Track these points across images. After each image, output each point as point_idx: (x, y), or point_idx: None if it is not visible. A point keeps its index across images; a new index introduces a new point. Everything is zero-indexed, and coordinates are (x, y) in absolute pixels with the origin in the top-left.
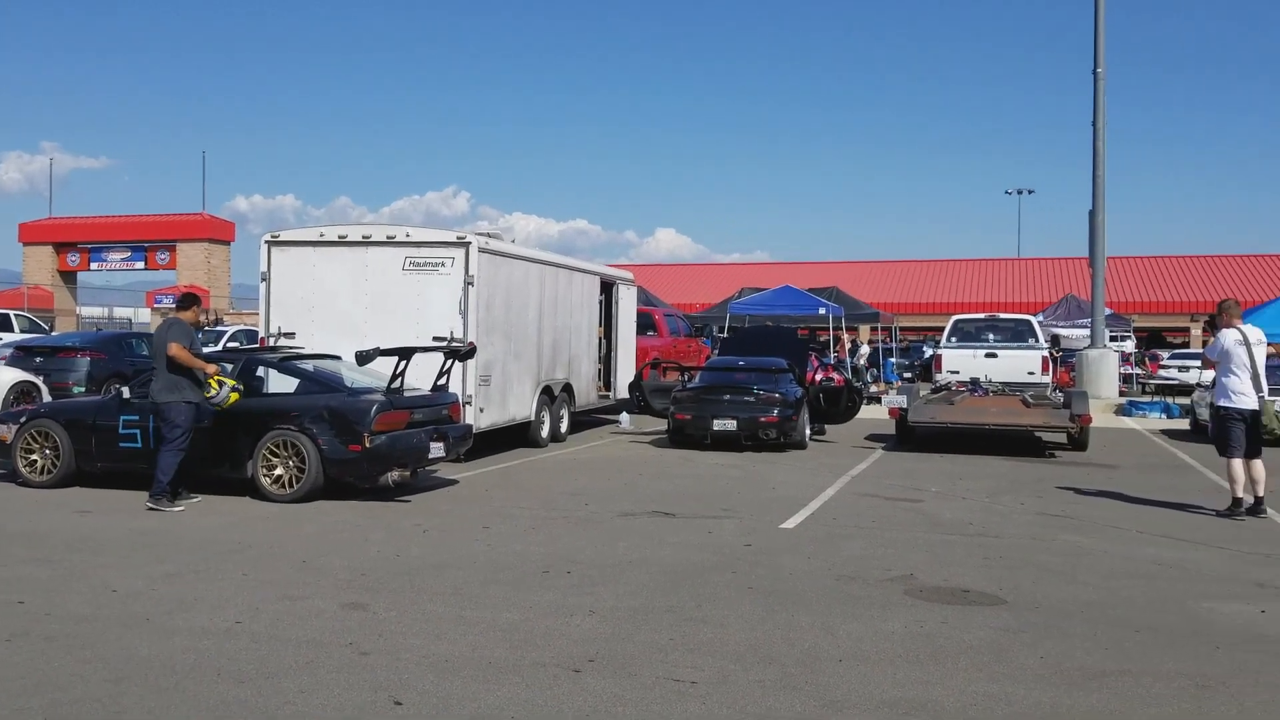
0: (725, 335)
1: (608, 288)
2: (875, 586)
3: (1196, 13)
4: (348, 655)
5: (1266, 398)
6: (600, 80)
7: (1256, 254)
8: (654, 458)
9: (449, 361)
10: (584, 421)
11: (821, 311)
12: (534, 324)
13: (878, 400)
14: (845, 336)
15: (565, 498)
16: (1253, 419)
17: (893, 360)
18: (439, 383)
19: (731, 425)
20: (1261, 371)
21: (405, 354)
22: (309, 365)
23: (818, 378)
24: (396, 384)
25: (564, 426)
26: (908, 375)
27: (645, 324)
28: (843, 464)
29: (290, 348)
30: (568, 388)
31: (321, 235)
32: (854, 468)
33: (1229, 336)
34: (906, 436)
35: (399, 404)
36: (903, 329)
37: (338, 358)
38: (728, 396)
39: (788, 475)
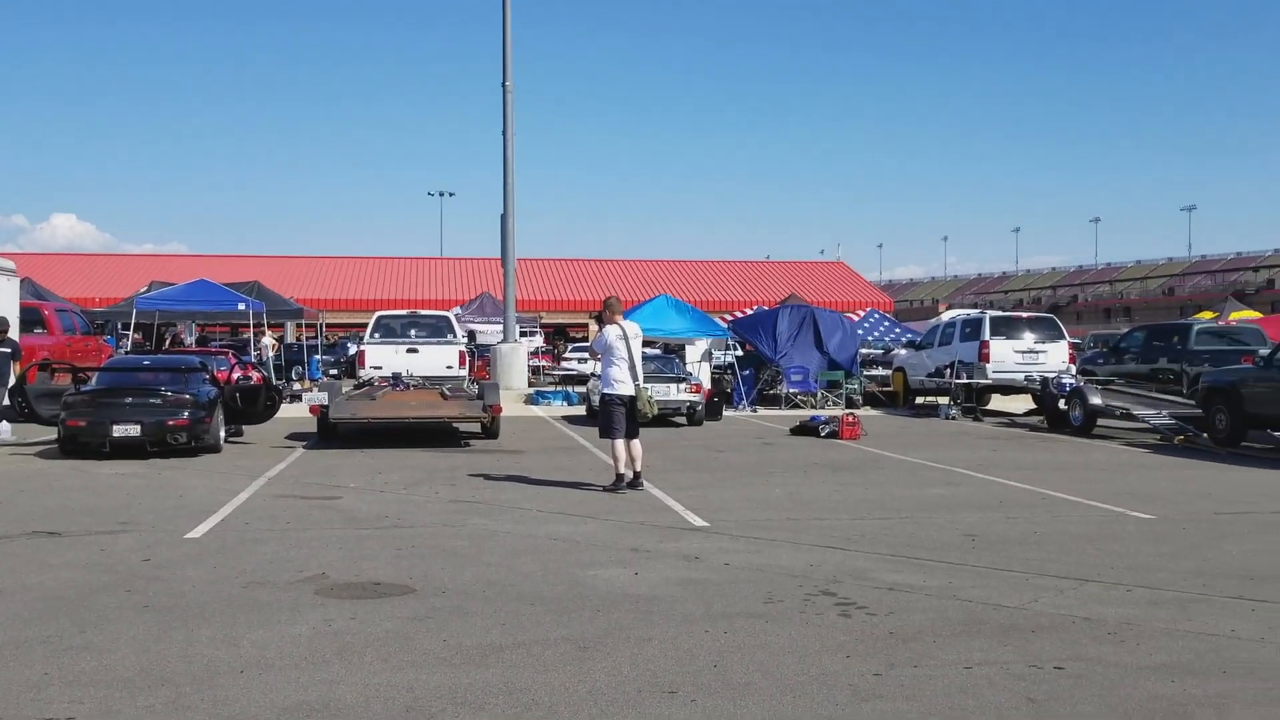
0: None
1: None
2: (285, 590)
3: (610, 33)
4: None
5: (641, 385)
6: None
7: (641, 259)
8: (39, 471)
9: None
10: None
11: (241, 307)
12: None
13: (300, 398)
14: (269, 333)
15: None
16: (631, 404)
17: (318, 358)
18: None
19: (135, 430)
20: (638, 363)
21: None
22: None
23: (234, 376)
24: None
25: None
26: (333, 372)
27: (32, 320)
28: (260, 466)
29: None
30: None
31: None
32: (272, 469)
33: (612, 332)
34: (328, 433)
35: None
36: (329, 325)
37: None
38: (130, 399)
39: (199, 481)
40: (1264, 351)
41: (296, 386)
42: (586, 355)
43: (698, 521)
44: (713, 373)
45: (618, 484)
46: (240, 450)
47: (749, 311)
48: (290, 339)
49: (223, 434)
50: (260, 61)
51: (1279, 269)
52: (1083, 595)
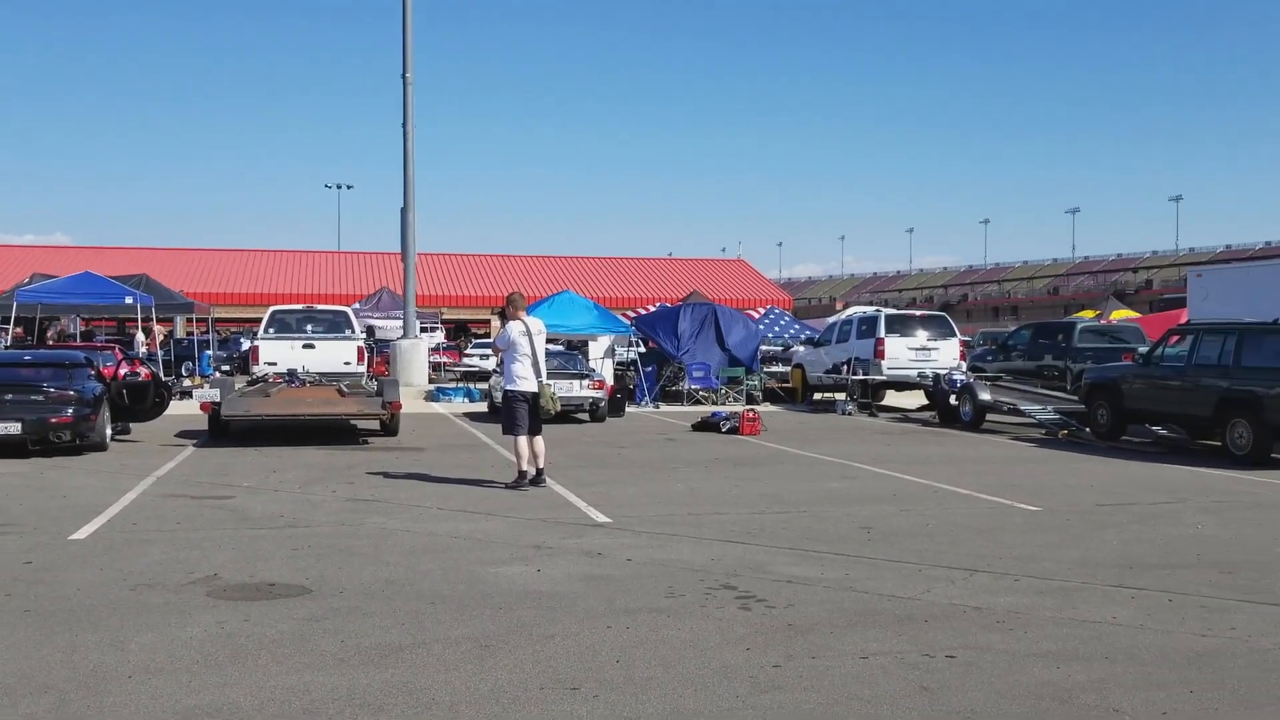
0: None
1: None
2: (175, 592)
3: (512, 28)
4: None
5: (545, 381)
6: None
7: (544, 255)
8: None
9: None
10: None
11: (129, 301)
12: None
13: (190, 395)
14: (157, 328)
15: None
16: (534, 400)
17: (209, 353)
18: None
19: (15, 428)
20: (541, 359)
21: None
22: None
23: (122, 372)
24: None
25: None
26: (226, 368)
27: None
28: (149, 464)
29: None
30: None
31: None
32: (161, 468)
33: (515, 328)
34: (220, 431)
35: None
36: (221, 320)
37: None
38: (10, 396)
39: (84, 480)
40: (1143, 349)
41: (187, 383)
42: (489, 351)
43: (600, 518)
44: (616, 369)
45: (520, 481)
46: (128, 449)
47: (652, 308)
48: (180, 334)
49: (109, 432)
50: (150, 50)
51: (1157, 270)
52: (973, 585)
